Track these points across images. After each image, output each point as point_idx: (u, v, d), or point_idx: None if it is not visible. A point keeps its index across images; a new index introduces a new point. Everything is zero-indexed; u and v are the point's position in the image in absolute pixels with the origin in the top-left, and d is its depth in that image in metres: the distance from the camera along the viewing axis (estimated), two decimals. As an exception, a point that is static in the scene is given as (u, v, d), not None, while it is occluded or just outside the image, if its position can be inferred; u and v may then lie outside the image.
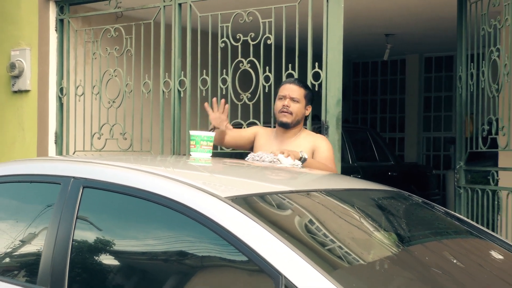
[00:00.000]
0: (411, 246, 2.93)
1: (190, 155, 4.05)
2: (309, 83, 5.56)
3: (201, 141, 3.88)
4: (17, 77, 7.62)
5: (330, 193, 3.05)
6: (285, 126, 4.30)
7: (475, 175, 6.53)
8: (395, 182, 8.62)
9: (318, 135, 4.61)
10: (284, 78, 5.71)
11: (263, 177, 3.43)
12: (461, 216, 3.42)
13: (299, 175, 3.61)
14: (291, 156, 3.84)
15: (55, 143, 7.60)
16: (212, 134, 4.02)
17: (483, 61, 5.54)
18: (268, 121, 5.98)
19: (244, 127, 5.95)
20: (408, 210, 3.40)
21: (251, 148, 4.54)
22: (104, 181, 2.85)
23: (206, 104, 4.73)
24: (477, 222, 5.48)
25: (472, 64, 5.81)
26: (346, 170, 7.40)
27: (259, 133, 4.61)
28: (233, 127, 5.49)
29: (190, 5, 6.35)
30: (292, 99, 4.26)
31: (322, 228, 2.70)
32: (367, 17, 8.97)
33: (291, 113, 4.24)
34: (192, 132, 4.02)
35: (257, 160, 4.00)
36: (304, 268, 2.07)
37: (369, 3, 8.21)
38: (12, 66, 7.57)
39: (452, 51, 9.61)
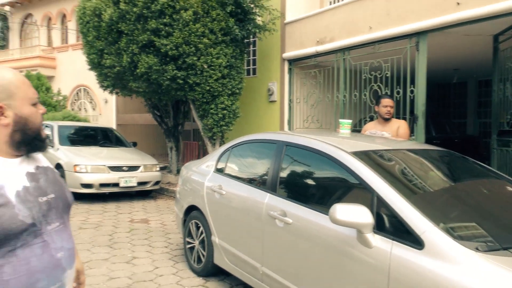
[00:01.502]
0: (451, 180, 3.00)
1: (339, 131, 4.00)
2: (408, 96, 6.25)
3: (344, 124, 3.95)
4: (271, 95, 8.87)
5: (408, 150, 3.05)
6: (387, 120, 4.44)
7: (503, 142, 6.00)
8: (460, 144, 8.95)
9: (400, 120, 4.65)
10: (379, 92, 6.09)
11: (371, 142, 3.30)
12: (487, 166, 3.21)
13: (391, 142, 3.40)
14: (386, 133, 4.20)
15: (288, 124, 8.73)
16: (349, 121, 4.02)
17: (507, 82, 5.68)
18: None
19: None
20: (453, 160, 3.22)
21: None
22: (294, 142, 3.15)
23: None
24: (503, 169, 5.61)
25: (501, 83, 5.94)
26: (431, 140, 7.53)
27: (367, 128, 4.65)
28: (367, 120, 6.56)
29: (349, 59, 7.28)
30: (391, 107, 4.43)
31: (400, 167, 2.77)
32: (441, 60, 8.45)
33: (390, 114, 4.44)
34: (340, 120, 4.16)
35: (373, 134, 4.23)
36: (384, 188, 2.28)
37: (442, 55, 7.81)
38: (269, 90, 8.91)
39: (489, 77, 8.75)
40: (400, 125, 4.44)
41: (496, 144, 6.15)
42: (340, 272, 2.39)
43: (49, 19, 17.26)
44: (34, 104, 1.32)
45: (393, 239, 2.15)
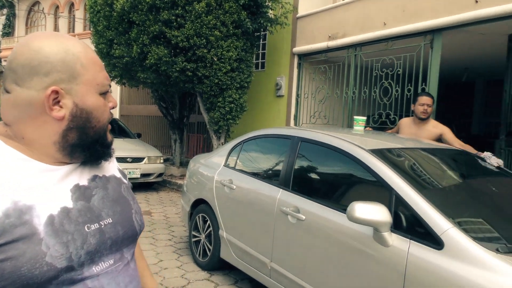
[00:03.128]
0: (467, 179, 2.98)
1: (353, 128, 3.96)
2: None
3: (359, 121, 3.91)
4: (278, 89, 8.77)
5: (421, 149, 3.01)
6: (423, 120, 4.16)
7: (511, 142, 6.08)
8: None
9: (440, 125, 4.22)
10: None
11: (388, 140, 3.18)
12: (503, 167, 3.09)
13: (408, 140, 3.33)
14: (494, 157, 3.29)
15: (294, 119, 8.66)
16: (364, 117, 3.95)
17: None
18: (395, 113, 6.56)
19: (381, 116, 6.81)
20: (468, 160, 3.20)
21: (397, 132, 4.44)
22: (310, 138, 3.09)
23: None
24: (510, 169, 5.50)
25: None
26: None
27: (402, 123, 4.42)
28: (375, 117, 6.63)
29: (360, 55, 7.26)
30: (428, 105, 4.14)
31: (417, 165, 2.74)
32: (451, 59, 8.29)
33: (427, 113, 4.15)
34: (355, 116, 4.09)
35: (488, 157, 3.30)
36: (404, 187, 2.25)
37: (455, 54, 7.69)
38: (277, 84, 8.83)
39: (501, 76, 8.83)
40: (443, 132, 4.08)
41: (504, 144, 6.16)
42: (354, 270, 2.36)
43: (57, 7, 17.24)
44: (102, 94, 0.92)
45: (411, 238, 2.13)
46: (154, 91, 9.51)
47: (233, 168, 3.80)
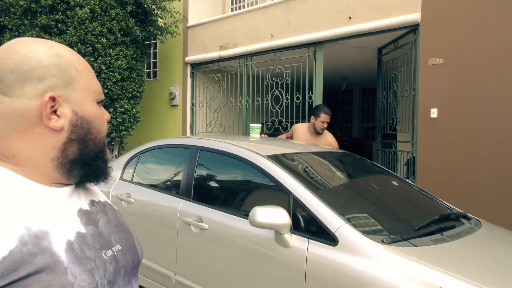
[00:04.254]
0: (354, 178, 3.20)
1: (249, 135, 4.05)
2: (307, 102, 6.52)
3: (255, 128, 4.06)
4: (173, 99, 8.65)
5: (313, 153, 3.22)
6: (319, 134, 4.45)
7: (386, 144, 6.71)
8: (348, 147, 9.56)
9: (330, 134, 4.60)
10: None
11: (282, 146, 3.32)
12: (378, 164, 3.48)
13: (299, 145, 3.52)
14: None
15: (190, 129, 8.56)
16: (259, 125, 4.12)
17: (389, 90, 6.20)
18: (286, 120, 6.89)
19: (275, 123, 7.07)
20: (353, 161, 3.45)
21: (291, 137, 4.68)
22: (209, 147, 3.12)
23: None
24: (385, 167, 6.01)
25: (384, 91, 6.46)
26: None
27: (296, 129, 4.65)
28: (269, 124, 6.93)
29: (251, 65, 7.46)
30: (327, 123, 4.42)
31: (310, 169, 2.92)
32: (333, 69, 8.72)
33: (324, 129, 4.44)
34: (251, 124, 4.24)
35: None
36: (299, 189, 2.39)
37: (335, 64, 8.08)
38: (171, 94, 8.68)
39: (374, 85, 9.35)
40: (330, 142, 4.49)
41: (380, 146, 6.79)
42: (258, 274, 2.42)
43: None
44: (99, 103, 0.83)
45: (309, 238, 2.25)
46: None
47: (130, 181, 3.64)
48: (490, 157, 4.74)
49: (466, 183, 4.89)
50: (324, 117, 4.44)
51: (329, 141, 4.50)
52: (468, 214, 2.91)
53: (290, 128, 4.85)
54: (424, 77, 5.30)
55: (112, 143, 7.55)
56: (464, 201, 4.79)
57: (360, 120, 13.99)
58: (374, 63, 7.26)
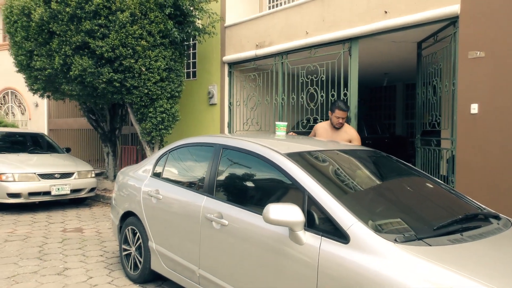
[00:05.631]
0: (375, 177, 3.15)
1: (275, 133, 4.06)
2: (341, 98, 6.36)
3: (280, 126, 4.07)
4: (211, 98, 8.75)
5: (339, 150, 3.21)
6: (338, 129, 4.56)
7: (426, 141, 6.42)
8: (390, 144, 9.51)
9: (352, 129, 4.73)
10: (325, 97, 6.68)
11: (306, 143, 3.36)
12: (408, 163, 3.35)
13: (324, 143, 3.53)
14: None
15: (228, 127, 8.73)
16: (285, 123, 4.12)
17: (429, 85, 6.00)
18: (321, 118, 6.83)
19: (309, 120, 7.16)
20: (377, 159, 3.37)
21: (314, 135, 4.77)
22: (231, 145, 3.16)
23: (291, 133, 4.90)
24: (425, 166, 6.06)
25: (423, 87, 6.28)
26: (363, 140, 7.86)
27: (318, 127, 4.74)
28: (304, 122, 7.00)
29: (287, 63, 7.46)
30: (343, 118, 4.50)
31: (329, 167, 2.91)
32: (372, 65, 8.87)
33: (342, 124, 4.54)
34: (276, 122, 4.25)
35: None
36: (314, 187, 2.37)
37: (375, 60, 8.17)
38: (209, 93, 8.80)
39: (414, 80, 9.19)
40: (352, 138, 4.48)
41: (420, 143, 6.58)
42: (273, 270, 2.45)
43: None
44: None
45: (322, 235, 2.25)
46: (82, 103, 9.16)
47: (160, 178, 3.78)
48: (535, 155, 4.45)
49: (508, 182, 4.62)
50: (338, 113, 4.48)
51: (351, 135, 4.51)
52: (500, 214, 2.77)
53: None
54: (464, 71, 5.07)
55: (153, 141, 7.84)
56: (504, 200, 4.54)
57: (404, 116, 13.53)
58: (415, 58, 7.02)
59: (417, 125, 6.74)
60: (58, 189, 7.45)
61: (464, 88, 5.07)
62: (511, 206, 4.39)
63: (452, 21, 5.35)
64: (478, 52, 4.96)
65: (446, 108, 5.76)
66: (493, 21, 4.80)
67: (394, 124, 13.70)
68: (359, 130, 6.75)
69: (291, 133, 4.76)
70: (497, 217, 2.68)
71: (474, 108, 4.99)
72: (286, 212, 2.24)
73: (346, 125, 4.61)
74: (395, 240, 2.07)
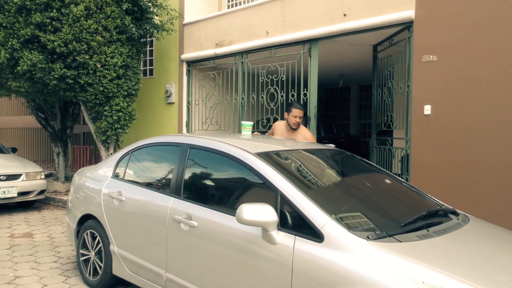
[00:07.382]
0: (343, 176, 3.21)
1: (241, 133, 4.04)
2: (301, 98, 6.52)
3: (246, 126, 4.07)
4: (169, 96, 8.63)
5: (303, 150, 3.22)
6: (294, 129, 4.54)
7: (381, 140, 6.61)
8: (344, 143, 9.71)
9: (307, 129, 4.74)
10: (284, 97, 6.71)
11: (272, 143, 3.34)
12: (371, 162, 3.51)
13: (289, 143, 3.59)
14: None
15: (186, 126, 8.58)
16: (251, 122, 4.14)
17: (384, 87, 6.17)
18: (281, 117, 6.27)
19: (270, 120, 7.09)
20: (343, 158, 3.42)
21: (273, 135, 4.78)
22: (199, 145, 3.11)
23: (256, 132, 4.92)
24: (381, 165, 6.28)
25: (379, 88, 6.49)
26: (320, 139, 8.15)
27: (276, 126, 4.80)
28: (264, 121, 6.95)
29: (247, 62, 7.44)
30: (300, 117, 4.48)
31: (299, 166, 2.91)
32: (329, 66, 8.99)
33: (298, 124, 4.52)
34: (242, 122, 4.33)
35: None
36: (286, 186, 2.38)
37: (331, 61, 8.33)
38: (167, 91, 8.67)
39: (368, 82, 9.54)
40: (307, 137, 4.52)
41: (375, 142, 6.80)
42: (246, 271, 2.43)
43: None
44: None
45: (295, 235, 2.25)
46: (31, 100, 8.65)
47: (122, 179, 3.65)
48: (484, 153, 4.75)
49: (460, 179, 4.88)
50: (295, 112, 4.44)
51: (305, 136, 4.52)
52: (457, 210, 2.92)
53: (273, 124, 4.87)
54: (418, 74, 5.29)
55: (108, 141, 7.56)
56: (458, 197, 4.78)
57: (358, 117, 13.99)
58: (370, 60, 7.23)
59: (373, 125, 6.93)
60: (4, 191, 7.00)
61: (418, 90, 5.28)
62: (465, 202, 4.60)
63: (407, 25, 5.56)
64: (431, 56, 5.20)
65: (401, 109, 5.95)
66: (446, 27, 5.05)
67: (348, 124, 14.14)
68: (317, 130, 6.95)
69: (256, 132, 4.73)
70: (455, 213, 2.81)
71: (427, 109, 5.21)
72: (260, 212, 2.22)
73: (301, 126, 4.64)
74: (368, 237, 2.11)
